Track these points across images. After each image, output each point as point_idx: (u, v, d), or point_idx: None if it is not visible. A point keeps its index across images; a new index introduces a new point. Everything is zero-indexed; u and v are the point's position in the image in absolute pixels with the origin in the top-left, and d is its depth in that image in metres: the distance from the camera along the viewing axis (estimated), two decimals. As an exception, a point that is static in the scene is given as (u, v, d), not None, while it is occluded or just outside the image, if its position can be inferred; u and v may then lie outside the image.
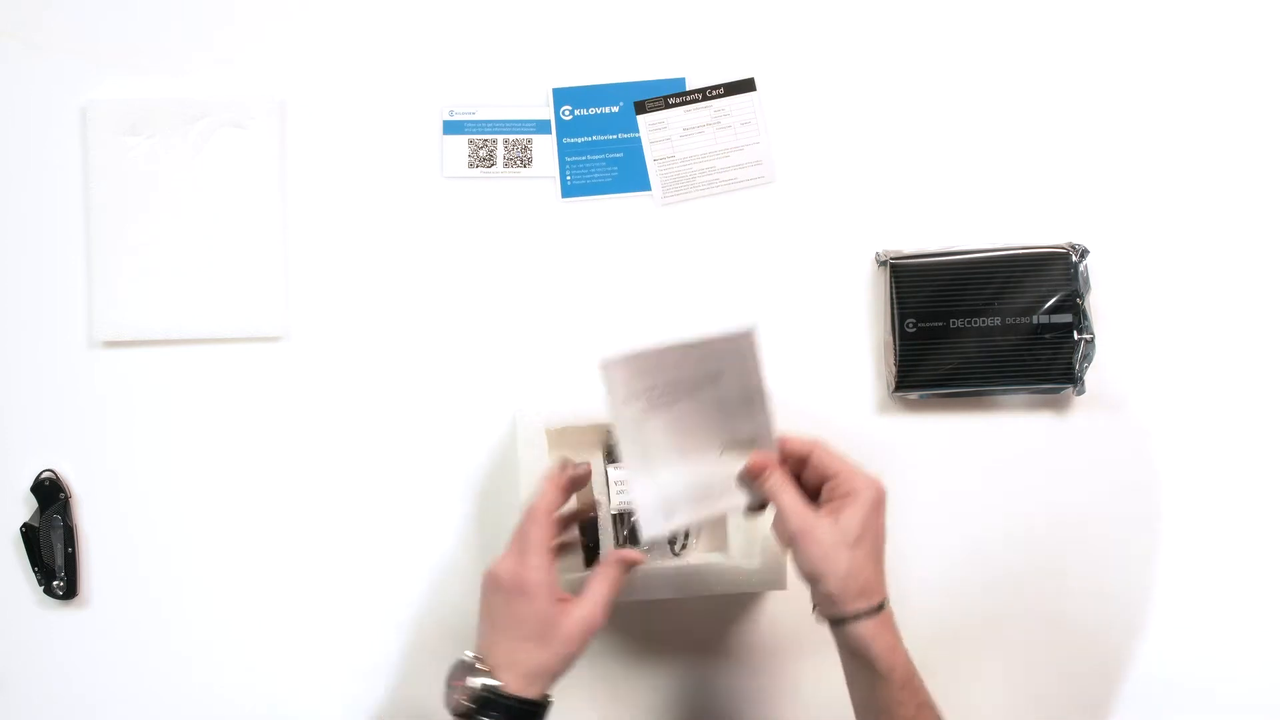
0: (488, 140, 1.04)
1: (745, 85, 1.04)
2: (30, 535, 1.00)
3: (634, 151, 1.04)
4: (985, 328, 0.99)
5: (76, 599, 1.00)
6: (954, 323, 0.99)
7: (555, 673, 0.82)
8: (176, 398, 1.02)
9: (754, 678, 1.02)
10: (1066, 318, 0.99)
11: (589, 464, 0.89)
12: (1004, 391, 1.01)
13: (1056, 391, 1.01)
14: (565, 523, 0.92)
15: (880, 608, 0.81)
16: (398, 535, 1.01)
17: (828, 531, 0.80)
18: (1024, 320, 0.99)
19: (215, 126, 1.02)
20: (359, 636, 1.01)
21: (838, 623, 0.82)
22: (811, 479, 0.84)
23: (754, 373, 0.83)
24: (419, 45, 1.04)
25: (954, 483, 1.02)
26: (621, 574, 0.85)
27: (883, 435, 1.02)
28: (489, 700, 0.80)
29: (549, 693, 0.82)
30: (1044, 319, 0.99)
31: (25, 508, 1.01)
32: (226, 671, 1.01)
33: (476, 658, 0.82)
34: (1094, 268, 1.00)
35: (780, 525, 0.82)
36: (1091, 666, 1.01)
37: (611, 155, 1.04)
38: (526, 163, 1.04)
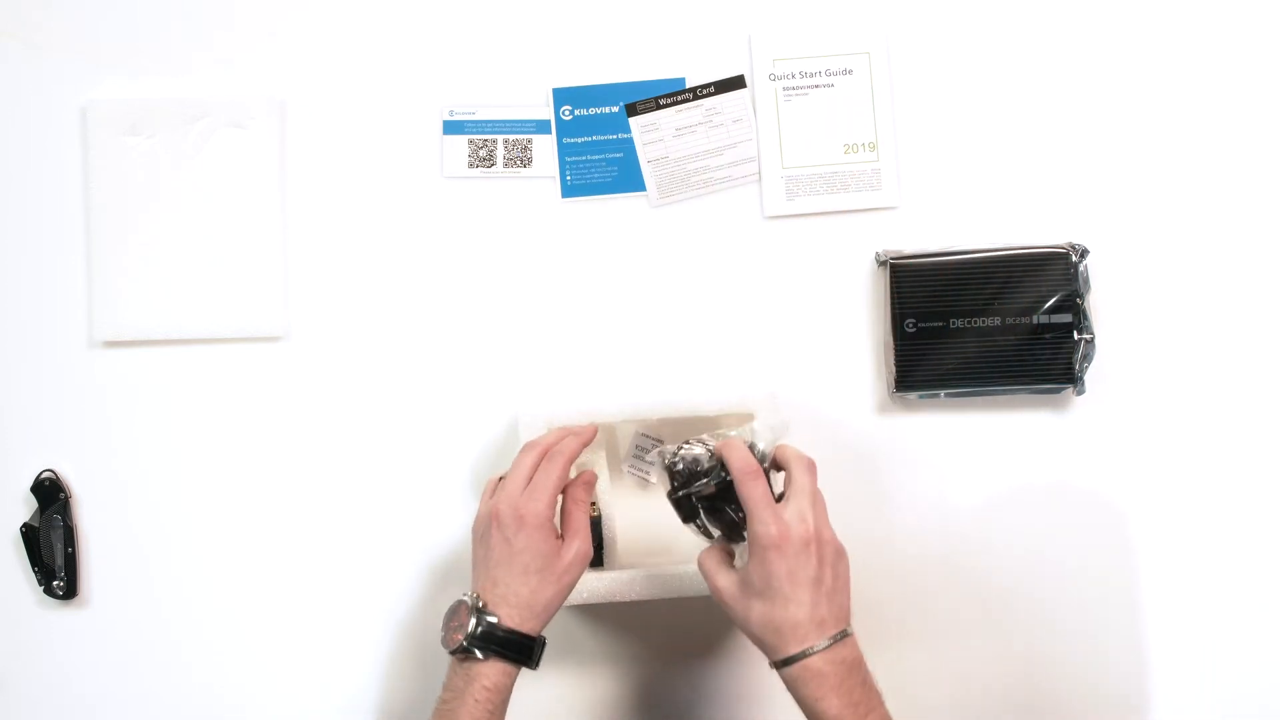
0: (488, 140, 1.04)
1: (736, 83, 1.04)
2: (30, 535, 1.00)
3: (634, 151, 1.04)
4: (985, 328, 0.99)
5: (76, 599, 1.00)
6: (954, 323, 0.99)
7: (554, 607, 0.84)
8: (176, 398, 1.02)
9: (750, 678, 1.01)
10: (1066, 318, 0.99)
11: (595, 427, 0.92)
12: (1004, 391, 1.01)
13: (1056, 391, 1.01)
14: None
15: (788, 661, 0.80)
16: (398, 535, 1.01)
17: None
18: (1024, 320, 0.99)
19: (215, 126, 1.02)
20: (359, 636, 1.01)
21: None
22: None
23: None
24: (419, 45, 1.04)
25: (954, 482, 1.02)
26: (590, 496, 0.89)
27: (883, 435, 1.02)
28: (487, 635, 0.81)
29: (543, 632, 0.83)
30: (1044, 319, 0.99)
31: (25, 508, 1.01)
32: (226, 671, 1.01)
33: (475, 595, 0.83)
34: (1094, 268, 1.00)
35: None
36: (1091, 666, 1.01)
37: (611, 155, 1.04)
38: (526, 163, 1.04)
